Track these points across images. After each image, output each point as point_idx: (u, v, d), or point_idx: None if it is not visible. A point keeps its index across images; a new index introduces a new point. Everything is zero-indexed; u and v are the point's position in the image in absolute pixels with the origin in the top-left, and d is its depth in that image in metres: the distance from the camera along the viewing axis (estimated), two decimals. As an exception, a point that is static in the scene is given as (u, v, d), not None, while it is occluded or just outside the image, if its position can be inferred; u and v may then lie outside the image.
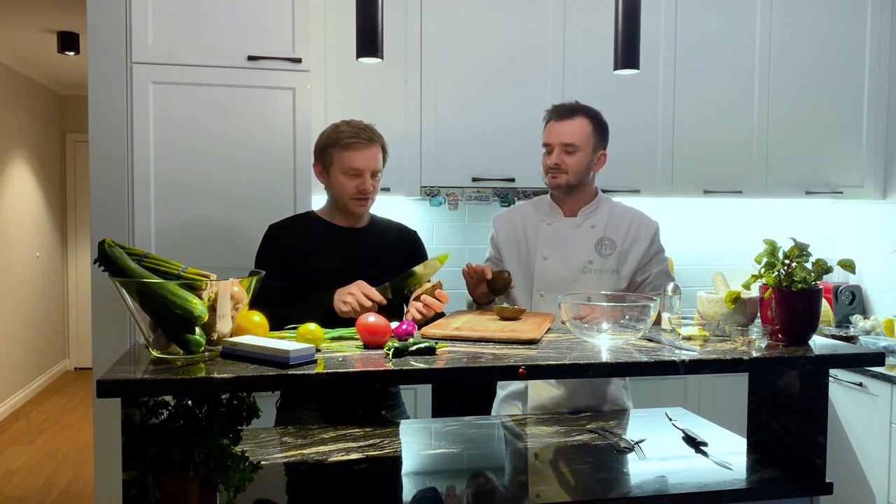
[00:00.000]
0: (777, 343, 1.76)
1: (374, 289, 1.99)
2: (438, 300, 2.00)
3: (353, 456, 1.84)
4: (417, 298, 2.02)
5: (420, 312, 2.00)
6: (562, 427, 2.10)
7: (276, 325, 1.83)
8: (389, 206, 3.36)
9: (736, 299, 1.83)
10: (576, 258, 2.27)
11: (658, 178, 3.44)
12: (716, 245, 3.88)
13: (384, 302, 2.00)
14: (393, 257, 2.23)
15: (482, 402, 2.64)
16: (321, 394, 2.16)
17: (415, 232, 2.35)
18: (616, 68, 2.04)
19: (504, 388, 2.41)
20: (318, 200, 2.45)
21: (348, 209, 2.18)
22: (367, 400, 2.21)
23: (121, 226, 2.67)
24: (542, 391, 2.29)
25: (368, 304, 1.96)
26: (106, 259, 1.50)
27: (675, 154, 3.45)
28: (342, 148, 2.12)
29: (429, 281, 2.06)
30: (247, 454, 1.54)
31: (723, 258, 3.85)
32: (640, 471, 1.81)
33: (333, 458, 1.82)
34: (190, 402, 1.53)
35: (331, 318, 1.96)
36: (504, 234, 2.39)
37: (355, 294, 1.97)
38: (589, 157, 2.25)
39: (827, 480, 1.76)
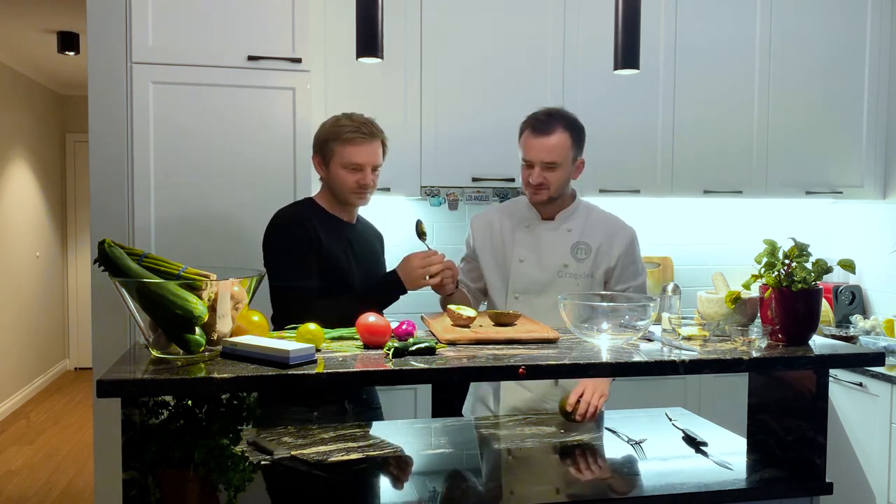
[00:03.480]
0: (777, 343, 1.76)
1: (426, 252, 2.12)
2: None
3: (353, 456, 1.84)
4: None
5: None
6: (561, 427, 2.10)
7: (330, 315, 1.89)
8: (389, 206, 3.36)
9: (736, 299, 1.83)
10: (551, 261, 2.28)
11: (658, 178, 3.44)
12: (716, 245, 3.88)
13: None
14: (377, 255, 2.34)
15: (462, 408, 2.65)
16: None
17: (381, 235, 2.43)
18: (616, 68, 2.04)
19: (476, 390, 2.44)
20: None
21: (348, 202, 2.20)
22: (350, 390, 2.24)
23: (121, 226, 2.67)
24: (515, 393, 2.30)
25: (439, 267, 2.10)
26: (106, 259, 1.50)
27: (675, 154, 3.44)
28: (343, 142, 2.14)
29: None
30: (247, 454, 1.54)
31: (723, 258, 3.85)
32: (639, 471, 1.81)
33: (333, 458, 1.82)
34: (190, 402, 1.53)
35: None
36: (480, 235, 2.39)
37: (431, 261, 2.09)
38: (569, 170, 2.24)
39: (827, 480, 1.76)
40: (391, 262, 2.30)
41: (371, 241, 2.34)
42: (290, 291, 2.09)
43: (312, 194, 2.77)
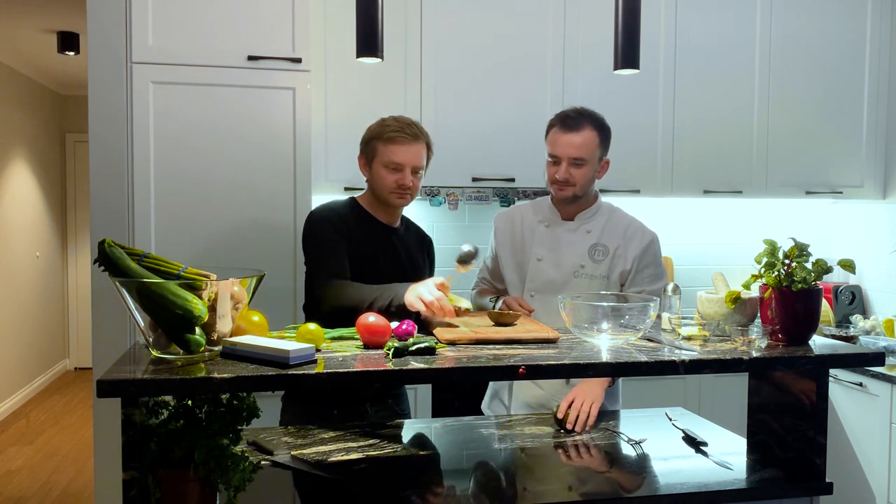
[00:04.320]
0: (777, 343, 1.76)
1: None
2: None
3: (353, 456, 1.84)
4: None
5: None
6: (561, 427, 2.10)
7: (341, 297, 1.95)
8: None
9: (736, 299, 1.83)
10: (568, 262, 2.29)
11: (658, 178, 3.44)
12: (716, 245, 3.88)
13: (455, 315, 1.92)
14: (418, 261, 2.28)
15: (481, 403, 2.65)
16: (326, 390, 2.17)
17: (430, 240, 2.39)
18: (616, 68, 2.04)
19: (493, 386, 2.47)
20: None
21: (388, 202, 2.19)
22: (373, 392, 2.23)
23: (121, 226, 2.67)
24: (527, 390, 2.33)
25: (449, 307, 1.88)
26: (106, 259, 1.50)
27: (675, 154, 3.45)
28: (385, 142, 2.14)
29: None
30: (247, 454, 1.54)
31: (723, 258, 3.85)
32: (640, 471, 1.81)
33: (333, 458, 1.82)
34: (190, 402, 1.54)
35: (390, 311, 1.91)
36: (502, 232, 2.41)
37: (438, 297, 1.86)
38: (595, 168, 2.26)
39: (827, 480, 1.76)
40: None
41: (412, 247, 2.28)
42: (317, 284, 2.10)
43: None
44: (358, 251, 2.14)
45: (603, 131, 2.26)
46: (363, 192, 2.29)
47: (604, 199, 2.40)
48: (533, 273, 2.32)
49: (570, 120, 2.23)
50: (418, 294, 1.88)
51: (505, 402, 2.38)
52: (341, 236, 2.13)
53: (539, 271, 2.31)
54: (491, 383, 2.49)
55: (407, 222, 2.34)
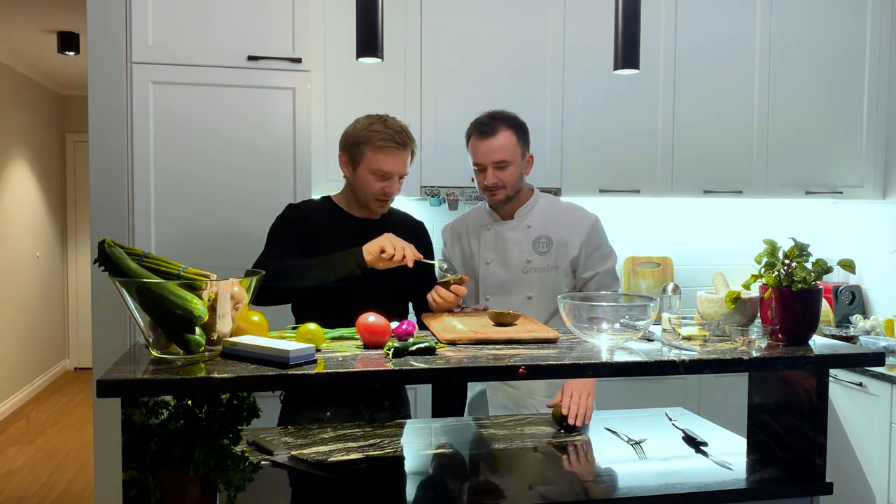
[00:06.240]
0: (777, 343, 1.76)
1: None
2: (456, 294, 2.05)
3: (353, 456, 1.84)
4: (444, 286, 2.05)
5: (445, 300, 2.04)
6: (560, 425, 2.10)
7: (278, 279, 1.92)
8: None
9: (736, 299, 1.83)
10: (515, 259, 2.32)
11: (658, 178, 3.44)
12: (716, 245, 3.88)
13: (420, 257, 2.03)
14: None
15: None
16: (324, 390, 2.17)
17: (421, 223, 2.37)
18: (616, 68, 2.04)
19: (472, 390, 2.50)
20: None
21: (369, 207, 2.21)
22: (370, 393, 2.22)
23: (121, 226, 2.67)
24: (499, 391, 2.36)
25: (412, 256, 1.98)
26: (106, 259, 1.50)
27: (675, 154, 3.45)
28: (375, 150, 2.12)
29: (454, 273, 2.09)
30: (247, 454, 1.54)
31: (723, 258, 3.85)
32: (640, 471, 1.81)
33: (333, 458, 1.82)
34: (190, 402, 1.54)
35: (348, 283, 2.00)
36: (450, 244, 2.46)
37: (401, 245, 1.98)
38: (520, 166, 2.29)
39: (827, 480, 1.76)
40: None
41: (398, 234, 2.21)
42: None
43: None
44: (324, 246, 2.12)
45: (518, 128, 2.29)
46: (340, 189, 2.29)
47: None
48: (484, 277, 2.36)
49: (485, 126, 2.27)
50: (381, 245, 1.96)
51: (482, 404, 2.40)
52: (294, 231, 2.16)
53: (490, 274, 2.35)
54: (469, 388, 2.51)
55: (391, 212, 2.31)
